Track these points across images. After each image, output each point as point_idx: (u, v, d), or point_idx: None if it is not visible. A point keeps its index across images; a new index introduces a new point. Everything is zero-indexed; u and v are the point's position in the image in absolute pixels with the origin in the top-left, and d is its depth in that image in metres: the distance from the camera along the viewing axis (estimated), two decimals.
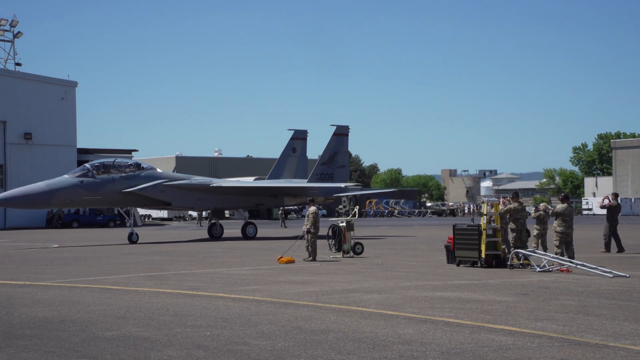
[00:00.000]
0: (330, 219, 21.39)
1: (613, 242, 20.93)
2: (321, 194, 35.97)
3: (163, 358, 7.08)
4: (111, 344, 7.75)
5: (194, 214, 62.52)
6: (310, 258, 18.70)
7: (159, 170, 31.56)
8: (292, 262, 17.93)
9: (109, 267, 17.52)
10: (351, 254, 19.89)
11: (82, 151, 58.01)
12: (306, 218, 19.47)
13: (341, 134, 37.53)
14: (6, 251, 24.83)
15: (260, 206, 35.22)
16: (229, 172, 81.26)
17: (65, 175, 28.56)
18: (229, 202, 32.82)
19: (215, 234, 31.99)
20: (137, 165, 30.17)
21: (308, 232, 18.87)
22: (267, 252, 22.27)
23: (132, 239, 28.27)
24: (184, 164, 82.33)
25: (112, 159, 30.40)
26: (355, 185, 42.30)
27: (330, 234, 20.28)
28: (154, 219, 68.21)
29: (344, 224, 20.04)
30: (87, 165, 28.90)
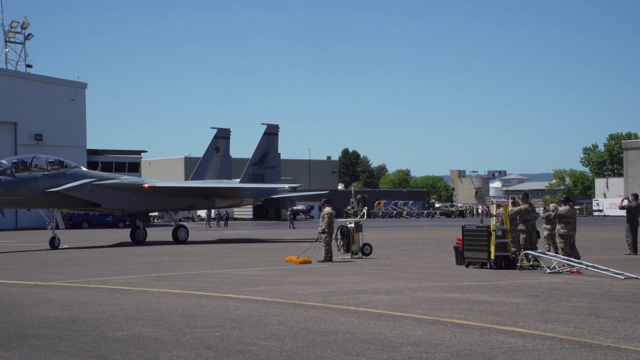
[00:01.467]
0: (338, 220, 21.41)
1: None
2: (253, 196, 34.44)
3: (172, 358, 7.09)
4: (121, 344, 7.77)
5: (203, 214, 62.59)
6: (325, 258, 18.70)
7: (84, 168, 29.34)
8: (309, 262, 17.99)
9: (118, 268, 17.58)
10: (360, 254, 19.87)
11: (92, 152, 58.34)
12: (321, 219, 19.49)
13: (271, 134, 35.68)
14: (17, 251, 24.98)
15: (191, 208, 33.27)
16: (238, 174, 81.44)
17: None
18: (160, 204, 30.67)
19: (138, 238, 29.68)
20: (61, 163, 27.48)
21: (323, 232, 18.92)
22: (276, 252, 22.29)
23: (55, 244, 26.05)
24: (192, 164, 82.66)
25: (31, 155, 27.78)
26: (290, 187, 38.30)
27: (338, 235, 20.28)
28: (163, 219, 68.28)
29: (353, 224, 20.04)
30: (3, 161, 26.25)
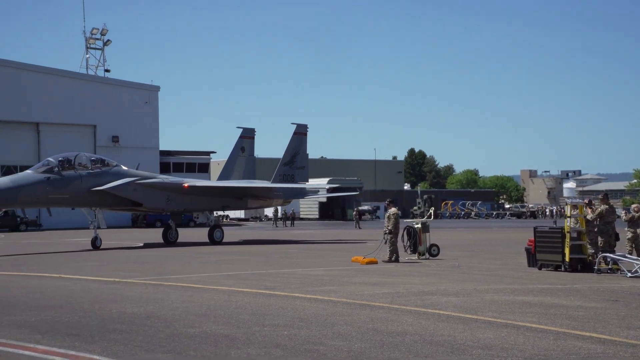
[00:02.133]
0: (404, 221, 21.19)
1: None
2: (284, 196, 33.48)
3: (243, 356, 7.21)
4: (194, 340, 7.97)
5: (270, 214, 63.35)
6: (390, 259, 18.58)
7: (124, 167, 28.12)
8: (375, 263, 17.93)
9: (190, 266, 18.08)
10: (427, 255, 19.61)
11: (164, 153, 60.22)
12: (386, 219, 19.37)
13: (300, 133, 35.40)
14: (97, 249, 26.07)
15: (225, 208, 32.16)
16: (261, 174, 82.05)
17: (29, 171, 25.24)
18: (198, 204, 29.77)
19: (170, 239, 29.11)
20: (102, 162, 26.91)
21: (390, 233, 18.80)
22: (341, 252, 22.31)
23: (96, 244, 25.47)
24: (257, 164, 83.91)
25: (74, 153, 26.91)
26: (326, 186, 37.83)
27: (405, 235, 20.09)
28: (231, 219, 69.82)
29: (419, 225, 19.80)
30: (50, 159, 25.62)
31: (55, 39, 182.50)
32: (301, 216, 70.23)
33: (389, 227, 18.90)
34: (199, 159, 62.58)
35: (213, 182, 31.82)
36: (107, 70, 59.38)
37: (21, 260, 21.01)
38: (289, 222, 57.13)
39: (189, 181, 30.18)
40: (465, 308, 10.23)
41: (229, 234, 39.64)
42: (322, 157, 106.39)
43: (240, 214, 69.90)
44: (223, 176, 33.56)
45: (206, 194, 30.09)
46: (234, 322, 9.16)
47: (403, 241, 20.10)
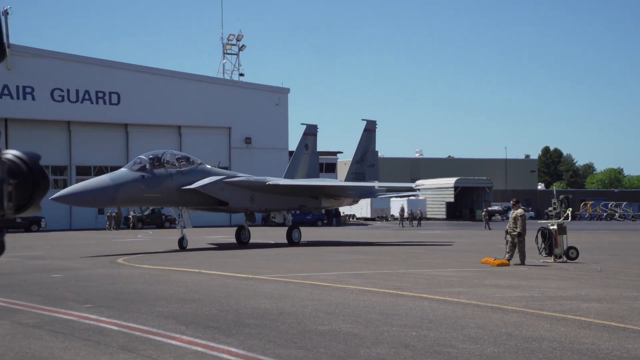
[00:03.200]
0: (539, 222, 20.13)
1: None
2: (356, 195, 32.17)
3: (372, 355, 7.20)
4: (324, 337, 8.10)
5: (396, 213, 63.01)
6: (521, 262, 17.78)
7: (208, 166, 26.78)
8: (507, 265, 17.29)
9: (319, 264, 18.45)
10: (564, 258, 18.51)
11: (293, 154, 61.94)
12: (512, 220, 18.52)
13: (370, 130, 33.79)
14: (228, 246, 27.44)
15: (301, 208, 30.27)
16: (429, 173, 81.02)
17: (124, 169, 24.25)
18: (278, 203, 28.49)
19: (243, 239, 28.05)
20: (187, 159, 25.80)
21: (520, 235, 17.98)
22: (471, 254, 21.67)
23: (183, 245, 24.50)
24: (385, 165, 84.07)
25: (162, 151, 25.81)
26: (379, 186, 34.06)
27: (539, 237, 19.10)
28: (357, 218, 70.31)
29: (555, 226, 18.73)
30: (142, 156, 24.62)
31: (196, 46, 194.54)
32: (428, 216, 69.14)
33: (518, 229, 17.95)
34: (327, 159, 63.71)
35: (293, 180, 30.18)
36: (241, 75, 62.39)
37: (165, 256, 22.61)
38: (416, 221, 56.50)
39: (271, 179, 28.76)
40: (610, 315, 9.50)
41: (343, 233, 39.91)
42: (449, 156, 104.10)
43: (367, 213, 70.26)
44: (288, 174, 31.79)
45: (286, 192, 28.72)
46: (363, 321, 9.20)
47: (537, 243, 19.13)
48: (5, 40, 1.94)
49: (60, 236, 37.86)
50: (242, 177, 27.93)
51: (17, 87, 49.22)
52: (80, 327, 8.84)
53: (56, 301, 11.32)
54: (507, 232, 18.10)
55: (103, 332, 8.49)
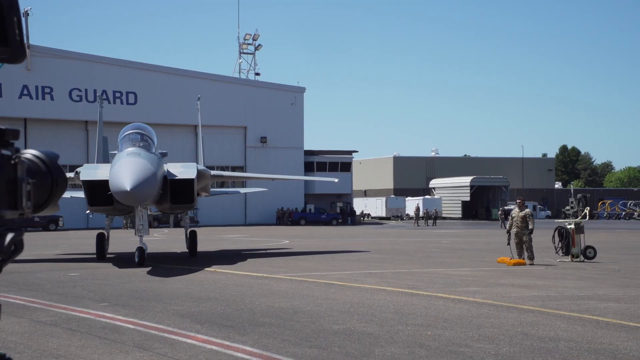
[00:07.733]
0: (556, 221, 19.94)
1: None
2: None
3: (387, 354, 7.18)
4: (338, 336, 8.09)
5: (411, 212, 62.81)
6: (532, 261, 17.65)
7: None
8: (523, 264, 17.17)
9: (333, 263, 18.44)
10: (581, 258, 18.31)
11: (308, 153, 62.03)
12: (520, 219, 18.24)
13: None
14: (247, 245, 27.55)
15: None
16: (445, 172, 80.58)
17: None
18: None
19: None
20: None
21: (531, 232, 17.83)
22: (486, 253, 21.53)
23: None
24: (401, 164, 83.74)
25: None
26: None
27: (556, 236, 18.91)
28: (372, 217, 70.20)
29: (573, 225, 18.55)
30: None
31: (212, 46, 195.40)
32: (443, 215, 68.81)
33: (531, 227, 17.72)
34: (342, 159, 63.66)
35: None
36: (257, 74, 62.38)
37: (179, 255, 22.73)
38: (431, 221, 56.24)
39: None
40: (628, 315, 9.39)
41: (359, 232, 39.75)
42: (465, 155, 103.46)
43: (382, 212, 70.14)
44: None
45: None
46: (377, 320, 9.17)
47: (554, 242, 18.95)
48: (25, 41, 1.96)
49: (77, 235, 38.26)
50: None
51: (37, 87, 49.84)
52: (96, 326, 8.92)
53: (73, 300, 11.44)
54: (508, 232, 17.86)
55: (119, 331, 8.56)
